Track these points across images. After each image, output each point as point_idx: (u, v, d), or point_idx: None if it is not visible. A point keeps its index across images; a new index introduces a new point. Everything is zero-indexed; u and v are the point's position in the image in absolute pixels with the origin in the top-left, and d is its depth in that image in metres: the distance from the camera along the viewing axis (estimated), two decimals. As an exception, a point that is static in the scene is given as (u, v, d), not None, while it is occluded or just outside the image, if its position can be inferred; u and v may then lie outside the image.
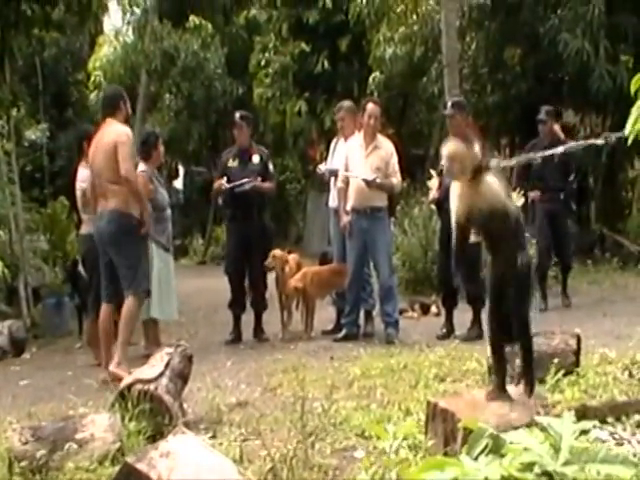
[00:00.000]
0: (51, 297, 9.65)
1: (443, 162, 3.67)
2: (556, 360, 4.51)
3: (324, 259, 8.68)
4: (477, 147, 3.50)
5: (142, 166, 7.26)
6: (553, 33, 12.43)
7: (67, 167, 14.02)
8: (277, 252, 7.92)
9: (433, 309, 9.03)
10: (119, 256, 6.29)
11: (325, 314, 8.31)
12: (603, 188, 14.16)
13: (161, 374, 4.27)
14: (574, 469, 2.22)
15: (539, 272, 8.46)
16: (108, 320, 6.51)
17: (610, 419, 3.76)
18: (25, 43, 12.01)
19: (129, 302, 6.28)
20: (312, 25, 17.24)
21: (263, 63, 18.15)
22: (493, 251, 3.64)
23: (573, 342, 4.83)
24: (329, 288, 8.11)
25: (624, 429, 3.70)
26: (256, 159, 7.96)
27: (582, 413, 3.59)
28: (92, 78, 20.95)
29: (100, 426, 3.68)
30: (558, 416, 2.76)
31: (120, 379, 4.94)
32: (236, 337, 7.88)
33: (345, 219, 7.47)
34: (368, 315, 7.86)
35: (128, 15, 19.94)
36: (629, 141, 3.47)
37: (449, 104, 7.75)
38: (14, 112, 13.85)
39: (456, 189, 3.63)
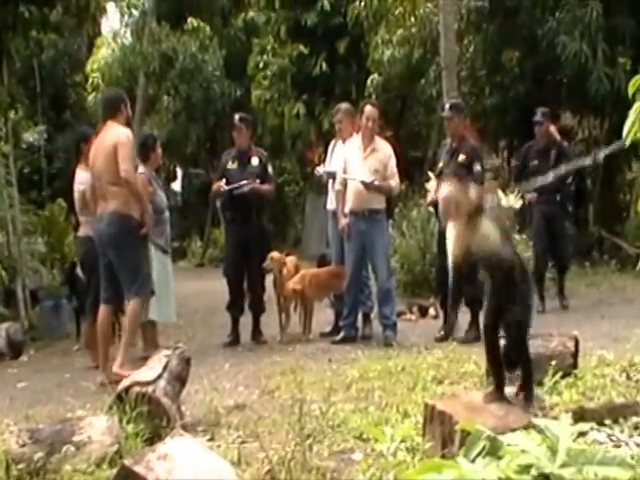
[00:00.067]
0: (49, 299, 9.63)
1: (439, 205, 3.64)
2: (554, 362, 4.51)
3: (322, 261, 8.67)
4: (472, 190, 3.50)
5: (140, 168, 7.26)
6: (551, 36, 12.44)
7: (65, 169, 14.00)
8: (275, 254, 7.92)
9: (431, 311, 9.03)
10: (120, 258, 6.29)
11: (323, 316, 8.31)
12: (601, 190, 14.18)
13: (159, 376, 4.26)
14: (571, 471, 2.22)
15: (536, 274, 8.46)
16: (106, 322, 6.51)
17: (608, 421, 3.76)
18: (23, 45, 12.01)
19: (133, 304, 6.30)
20: (310, 27, 17.24)
21: (261, 65, 18.15)
22: (491, 282, 3.63)
23: (571, 344, 4.84)
24: (327, 290, 8.11)
25: (622, 431, 3.70)
26: (255, 161, 7.96)
27: (580, 415, 3.60)
28: (90, 80, 20.95)
29: (98, 428, 3.67)
30: (556, 418, 2.76)
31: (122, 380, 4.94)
32: (234, 339, 7.88)
33: (343, 221, 7.47)
34: (366, 317, 7.86)
35: (126, 17, 19.95)
36: (627, 143, 3.48)
37: (447, 106, 7.77)
38: (12, 114, 13.86)
39: (452, 230, 3.61)
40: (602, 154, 4.06)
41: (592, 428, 3.49)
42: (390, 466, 3.19)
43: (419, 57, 15.26)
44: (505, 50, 13.92)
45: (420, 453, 3.36)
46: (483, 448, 2.43)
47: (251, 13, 19.91)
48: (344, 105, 8.15)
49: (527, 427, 2.77)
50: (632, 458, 3.02)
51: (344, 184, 7.51)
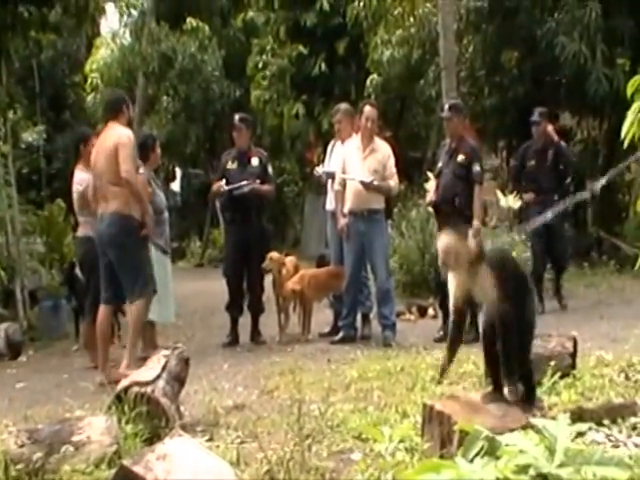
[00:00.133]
0: (48, 300, 9.63)
1: (439, 254, 3.62)
2: (553, 363, 4.51)
3: (321, 262, 8.68)
4: (471, 239, 3.53)
5: (140, 169, 7.26)
6: (550, 36, 12.45)
7: (64, 169, 14.02)
8: (274, 255, 7.92)
9: (430, 312, 9.03)
10: (120, 259, 6.30)
11: (322, 317, 8.32)
12: (600, 191, 14.17)
13: (158, 377, 4.26)
14: (569, 471, 2.22)
15: (535, 275, 8.47)
16: (106, 322, 6.52)
17: (606, 421, 3.76)
18: (22, 45, 12.00)
19: (137, 305, 6.33)
20: (310, 28, 17.25)
21: (261, 66, 18.15)
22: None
23: (570, 345, 4.84)
24: (326, 291, 8.11)
25: (620, 431, 3.70)
26: (255, 162, 7.96)
27: (578, 415, 3.60)
28: (89, 80, 20.95)
29: (97, 429, 3.67)
30: (554, 418, 2.77)
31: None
32: (233, 340, 7.88)
33: (342, 222, 7.47)
34: (365, 318, 7.87)
35: (125, 17, 19.97)
36: (625, 144, 3.48)
37: (446, 107, 7.78)
38: (11, 114, 13.85)
39: (453, 277, 3.63)
40: (599, 185, 4.04)
41: (590, 428, 3.49)
42: (389, 466, 3.20)
43: (418, 57, 15.26)
44: (504, 50, 13.92)
45: (419, 453, 3.37)
46: (481, 448, 2.44)
47: (250, 13, 19.91)
48: (343, 105, 8.15)
49: (525, 427, 2.77)
50: (630, 458, 3.02)
51: (343, 184, 7.52)
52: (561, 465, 2.26)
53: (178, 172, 24.27)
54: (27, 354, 8.37)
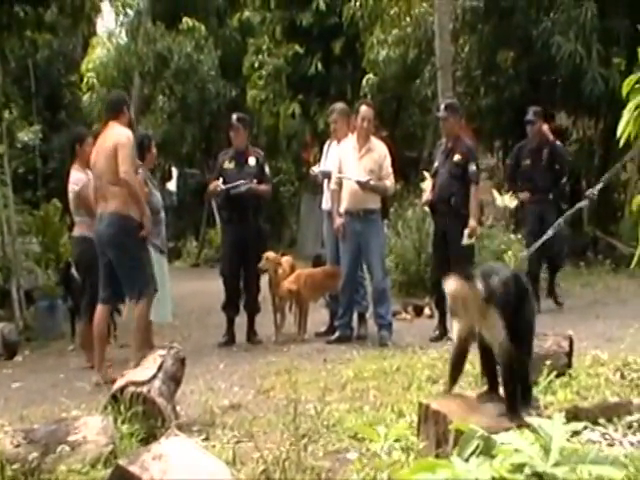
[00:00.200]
0: (44, 300, 9.62)
1: (447, 301, 3.50)
2: (549, 362, 4.52)
3: (317, 261, 8.69)
4: (479, 283, 3.33)
5: (139, 169, 7.26)
6: (546, 36, 12.46)
7: (60, 169, 14.02)
8: (270, 254, 7.92)
9: (426, 311, 9.04)
10: (120, 259, 6.31)
11: (318, 316, 8.32)
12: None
13: (154, 376, 4.26)
14: (564, 470, 2.23)
15: (530, 274, 8.47)
16: (103, 322, 6.52)
17: (602, 420, 3.77)
18: (18, 45, 11.97)
19: (140, 306, 6.35)
20: (306, 27, 17.26)
21: (257, 65, 18.16)
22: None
23: (565, 344, 4.85)
24: (322, 290, 8.11)
25: (615, 430, 3.71)
26: (252, 162, 7.96)
27: (574, 414, 3.61)
28: (85, 80, 20.92)
29: (93, 429, 3.67)
30: (550, 417, 2.77)
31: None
32: (229, 340, 7.88)
33: (338, 221, 7.47)
34: (361, 317, 7.87)
35: (121, 17, 19.85)
36: (621, 143, 3.48)
37: (442, 106, 7.79)
38: (6, 114, 13.83)
39: (457, 322, 3.56)
40: (597, 190, 4.00)
41: (586, 427, 3.50)
42: (384, 466, 3.20)
43: (414, 57, 15.28)
44: (500, 50, 13.94)
45: (414, 453, 3.37)
46: (477, 447, 2.44)
47: (246, 13, 19.91)
48: (339, 105, 8.15)
49: (521, 426, 2.77)
50: (626, 457, 3.04)
51: (339, 184, 7.52)
52: (556, 464, 2.27)
53: (174, 172, 24.26)
54: (23, 354, 8.35)
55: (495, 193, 10.12)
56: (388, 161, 7.53)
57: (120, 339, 8.17)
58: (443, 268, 7.59)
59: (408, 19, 15.12)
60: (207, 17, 20.58)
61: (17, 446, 3.56)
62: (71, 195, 7.27)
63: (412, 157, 16.86)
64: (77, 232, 7.37)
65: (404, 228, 10.88)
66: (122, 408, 4.01)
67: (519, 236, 10.13)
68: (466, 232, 7.22)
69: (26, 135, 18.76)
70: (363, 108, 7.50)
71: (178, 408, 4.51)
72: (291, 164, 20.39)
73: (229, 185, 7.74)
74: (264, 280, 8.06)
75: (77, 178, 7.17)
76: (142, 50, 19.14)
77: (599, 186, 3.65)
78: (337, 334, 7.55)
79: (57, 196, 11.64)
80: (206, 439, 4.10)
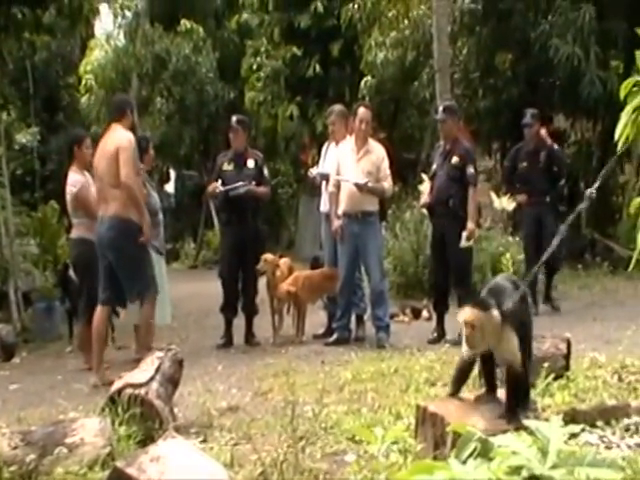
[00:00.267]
0: (41, 301, 9.61)
1: (461, 329, 3.44)
2: (546, 364, 4.52)
3: (315, 263, 8.69)
4: (494, 309, 3.29)
5: (140, 172, 7.27)
6: (544, 38, 12.48)
7: (58, 171, 14.01)
8: (268, 256, 7.92)
9: (424, 313, 9.04)
10: (120, 261, 6.33)
11: (316, 318, 8.32)
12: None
13: (152, 378, 4.26)
14: (562, 472, 2.23)
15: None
16: (103, 323, 6.52)
17: (600, 423, 3.78)
18: (16, 47, 11.99)
19: (144, 309, 6.39)
20: (304, 29, 17.27)
21: (255, 67, 18.18)
22: None
23: (563, 346, 4.85)
24: (320, 292, 8.11)
25: (613, 433, 3.71)
26: (251, 164, 7.96)
27: (572, 417, 3.61)
28: (83, 82, 20.93)
29: (90, 430, 3.66)
30: (547, 420, 2.77)
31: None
32: (227, 341, 7.87)
33: (336, 223, 7.47)
34: (359, 319, 7.87)
35: (119, 19, 19.98)
36: (619, 146, 3.48)
37: (440, 109, 7.80)
38: (4, 115, 13.83)
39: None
40: (594, 190, 3.98)
41: (584, 430, 3.50)
42: (382, 468, 3.20)
43: (412, 59, 15.30)
44: (498, 53, 13.96)
45: (412, 455, 3.37)
46: (474, 450, 2.44)
47: (245, 15, 19.93)
48: (337, 107, 8.15)
49: (518, 429, 2.77)
50: (623, 460, 3.04)
51: (337, 186, 7.52)
52: (554, 466, 2.27)
53: (172, 174, 24.26)
54: (21, 356, 8.34)
55: (493, 195, 10.13)
56: (386, 163, 7.53)
57: (118, 341, 8.16)
58: (441, 270, 7.64)
59: (406, 21, 15.14)
60: (205, 19, 20.61)
61: (14, 448, 3.55)
62: (69, 197, 7.27)
63: (410, 159, 16.87)
64: (75, 234, 7.36)
65: (402, 230, 10.88)
66: (120, 410, 4.01)
67: (517, 238, 10.13)
68: (464, 234, 7.22)
69: (24, 137, 18.74)
70: (361, 110, 7.50)
71: (176, 410, 4.51)
72: (289, 166, 20.40)
73: (228, 187, 7.74)
74: (262, 282, 8.05)
75: (75, 180, 7.16)
76: (140, 52, 19.16)
77: (597, 184, 3.62)
78: (335, 336, 7.55)
79: (55, 198, 11.63)
80: (204, 441, 4.10)
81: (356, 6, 15.41)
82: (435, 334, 7.46)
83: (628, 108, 3.37)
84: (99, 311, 6.46)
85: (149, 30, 19.42)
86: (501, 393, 3.57)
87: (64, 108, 21.52)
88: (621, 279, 10.71)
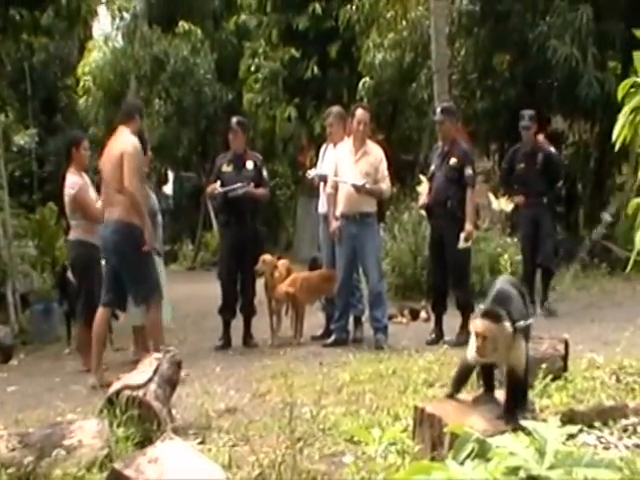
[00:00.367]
0: (39, 303, 9.60)
1: (472, 339, 3.41)
2: (544, 365, 4.52)
3: (314, 265, 8.68)
4: (506, 321, 3.29)
5: (146, 177, 7.29)
6: (542, 40, 12.50)
7: (56, 173, 14.01)
8: (267, 257, 7.91)
9: (422, 314, 9.04)
10: (124, 266, 6.34)
11: (314, 320, 8.32)
12: (591, 194, 14.25)
13: (150, 380, 4.25)
14: (559, 473, 2.23)
15: (525, 277, 8.49)
16: (103, 325, 6.52)
17: (597, 423, 3.78)
18: (14, 48, 11.99)
19: (150, 314, 6.39)
20: (302, 31, 17.28)
21: (253, 69, 18.18)
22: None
23: (561, 347, 4.85)
24: (318, 294, 8.11)
25: (611, 433, 3.71)
26: (250, 165, 7.97)
27: (570, 418, 3.62)
28: (81, 83, 20.94)
29: (88, 432, 3.66)
30: (545, 421, 2.77)
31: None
32: (225, 343, 7.87)
33: (334, 225, 7.47)
34: (357, 321, 7.87)
35: (117, 20, 19.99)
36: (616, 147, 3.49)
37: (439, 110, 7.80)
38: (2, 117, 13.84)
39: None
40: (609, 215, 3.85)
41: (582, 430, 3.50)
42: (380, 469, 3.20)
43: (410, 61, 15.31)
44: (496, 54, 13.98)
45: (410, 456, 3.37)
46: (472, 450, 2.44)
47: (243, 16, 19.95)
48: (335, 109, 8.15)
49: (516, 429, 2.77)
50: (621, 460, 3.04)
51: (335, 187, 7.52)
52: (551, 467, 2.27)
53: (170, 175, 24.26)
54: (18, 358, 8.33)
55: (491, 196, 10.14)
56: (384, 164, 7.54)
57: (116, 343, 8.16)
58: (439, 271, 7.64)
59: (404, 23, 15.15)
60: (203, 20, 20.62)
61: (12, 450, 3.55)
62: (67, 199, 7.26)
63: (408, 160, 16.89)
64: (73, 236, 7.35)
65: (400, 231, 10.89)
66: (118, 412, 4.00)
67: (515, 239, 10.14)
68: (462, 236, 7.22)
69: (22, 138, 18.70)
70: (359, 111, 7.50)
71: (174, 411, 4.51)
72: (287, 167, 20.41)
73: (227, 188, 7.74)
74: (260, 283, 8.05)
75: (73, 182, 7.16)
76: (138, 53, 19.17)
77: (612, 209, 3.58)
78: (333, 337, 7.55)
79: (53, 199, 11.63)
80: (202, 442, 4.09)
81: (354, 7, 15.43)
82: (433, 335, 7.46)
83: (626, 109, 3.37)
84: (100, 313, 6.46)
85: (147, 32, 19.42)
86: (499, 394, 3.58)
87: (62, 110, 21.52)
88: (619, 280, 10.71)
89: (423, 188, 7.81)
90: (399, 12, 15.00)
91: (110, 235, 6.35)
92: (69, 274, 8.02)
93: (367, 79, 15.92)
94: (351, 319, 7.78)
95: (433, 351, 6.28)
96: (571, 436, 3.25)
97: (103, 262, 7.09)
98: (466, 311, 7.22)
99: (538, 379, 4.40)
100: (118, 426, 3.92)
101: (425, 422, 3.35)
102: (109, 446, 3.63)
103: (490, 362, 3.53)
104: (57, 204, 10.51)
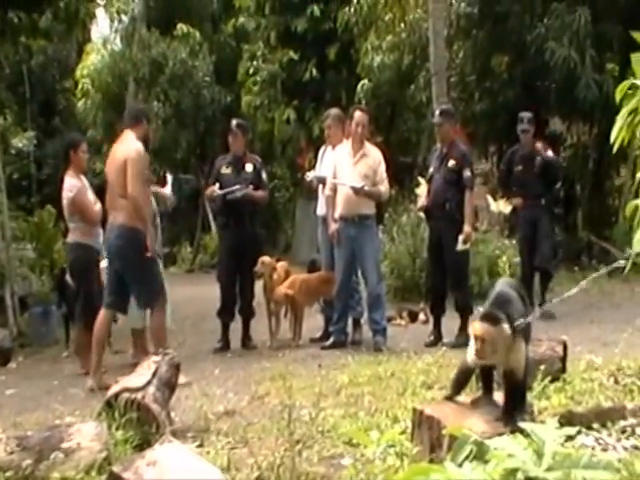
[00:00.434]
0: (38, 306, 9.60)
1: (472, 342, 3.41)
2: (543, 367, 4.52)
3: (312, 267, 8.67)
4: (505, 323, 3.29)
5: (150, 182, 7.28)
6: (540, 42, 12.51)
7: (54, 175, 14.02)
8: (266, 259, 7.91)
9: (421, 316, 9.04)
10: (128, 270, 6.36)
11: (313, 322, 8.31)
12: (590, 196, 14.26)
13: (148, 383, 4.25)
14: (557, 474, 2.23)
15: (524, 279, 8.48)
16: (105, 326, 6.51)
17: (596, 425, 3.77)
18: (12, 51, 12.00)
19: (154, 317, 6.40)
20: (300, 33, 17.29)
21: (251, 71, 18.18)
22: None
23: (560, 349, 4.85)
24: (317, 296, 8.11)
25: (609, 435, 3.71)
26: (249, 168, 7.97)
27: (568, 419, 3.61)
28: (80, 86, 20.94)
29: (87, 435, 3.66)
30: (544, 422, 2.77)
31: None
32: (224, 345, 7.87)
33: (333, 227, 7.47)
34: (356, 323, 7.86)
35: (116, 23, 19.98)
36: (614, 149, 3.49)
37: (437, 112, 7.81)
38: (1, 120, 13.85)
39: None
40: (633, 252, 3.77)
41: (580, 432, 3.50)
42: (378, 471, 3.20)
43: (409, 63, 15.31)
44: (494, 56, 13.99)
45: (409, 458, 3.36)
46: (470, 452, 2.44)
47: (241, 19, 19.95)
48: (334, 111, 8.15)
49: (514, 431, 2.77)
50: (619, 462, 3.04)
51: (334, 189, 7.52)
52: (549, 469, 2.27)
53: (169, 177, 24.19)
54: (17, 360, 8.33)
55: (490, 198, 10.13)
56: (382, 167, 7.54)
57: (115, 345, 8.15)
58: (438, 273, 7.65)
59: (403, 25, 15.16)
60: (202, 23, 20.63)
61: (11, 453, 3.55)
62: (65, 201, 7.26)
63: (407, 162, 16.90)
64: (71, 238, 7.35)
65: (399, 233, 10.89)
66: (116, 414, 4.00)
67: (513, 241, 10.14)
68: (461, 238, 7.23)
69: (20, 141, 18.75)
70: (357, 114, 7.51)
71: (172, 414, 4.50)
72: (286, 170, 20.40)
73: (225, 190, 7.75)
74: (258, 285, 8.05)
75: (71, 184, 7.16)
76: (137, 56, 19.17)
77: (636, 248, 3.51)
78: (332, 340, 7.54)
79: (51, 202, 11.64)
80: (200, 445, 4.09)
81: (352, 10, 15.43)
82: (432, 337, 7.46)
83: (623, 111, 3.37)
84: (102, 314, 6.46)
85: (145, 34, 19.43)
86: (497, 396, 3.58)
87: (60, 112, 21.56)
88: (618, 281, 10.70)
89: (422, 190, 7.81)
90: (397, 14, 15.00)
91: (114, 240, 6.36)
92: (67, 277, 8.02)
93: (365, 81, 15.92)
94: (350, 321, 7.78)
95: (432, 353, 6.28)
96: (569, 438, 3.25)
97: (104, 264, 7.11)
98: (465, 313, 7.23)
99: (537, 381, 4.40)
100: (117, 429, 3.92)
101: (424, 424, 3.35)
102: (108, 449, 3.63)
103: (489, 364, 3.53)
104: (55, 207, 10.51)
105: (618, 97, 3.41)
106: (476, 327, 3.34)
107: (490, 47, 13.81)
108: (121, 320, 7.61)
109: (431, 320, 7.81)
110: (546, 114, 13.48)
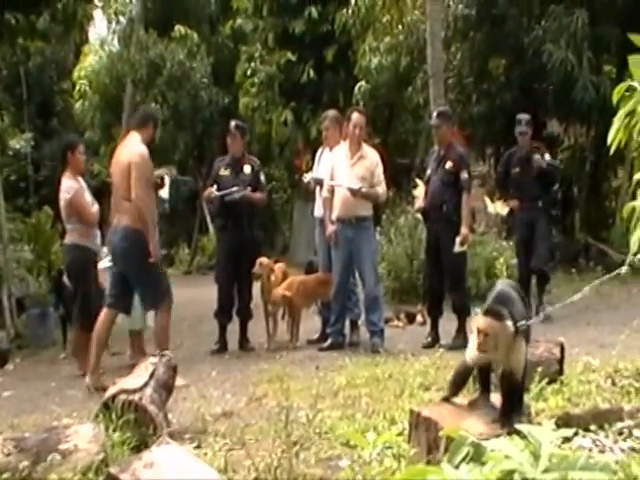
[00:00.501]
0: (35, 307, 9.59)
1: (471, 341, 3.44)
2: (540, 368, 4.53)
3: (310, 268, 8.68)
4: (508, 320, 3.30)
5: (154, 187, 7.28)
6: (537, 44, 12.53)
7: (52, 177, 13.98)
8: (264, 260, 7.92)
9: (418, 318, 9.04)
10: (133, 272, 6.38)
11: (311, 323, 8.31)
12: (587, 197, 14.27)
13: (145, 384, 4.25)
14: (554, 476, 2.23)
15: (521, 281, 8.47)
16: (106, 326, 6.49)
17: (593, 427, 3.78)
18: (10, 52, 12.01)
19: (159, 319, 6.40)
20: (298, 35, 17.30)
21: (249, 73, 18.18)
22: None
23: (557, 351, 4.86)
24: (315, 297, 8.11)
25: (606, 437, 3.71)
26: (247, 169, 7.97)
27: (565, 421, 3.62)
28: (77, 87, 20.95)
29: (84, 437, 3.65)
30: (540, 424, 2.78)
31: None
32: (221, 347, 7.87)
33: (330, 228, 7.47)
34: (354, 324, 7.87)
35: (113, 24, 20.03)
36: (611, 150, 3.50)
37: (435, 114, 7.82)
38: (-1, 121, 13.84)
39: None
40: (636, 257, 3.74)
41: (577, 434, 3.51)
42: (376, 473, 3.20)
43: (406, 65, 15.34)
44: (492, 58, 14.01)
45: (406, 460, 3.37)
46: (467, 454, 2.44)
47: (239, 20, 19.96)
48: (331, 112, 8.16)
49: (511, 433, 2.78)
50: (616, 463, 3.05)
51: (331, 191, 7.52)
52: (546, 470, 2.27)
53: (166, 179, 24.19)
54: (14, 362, 8.32)
55: (487, 200, 10.14)
56: (380, 168, 7.54)
57: (113, 347, 8.14)
58: (435, 275, 7.65)
59: (400, 27, 15.18)
60: (199, 24, 20.64)
61: (8, 455, 3.54)
62: (63, 203, 7.26)
63: (404, 164, 16.90)
64: (69, 240, 7.34)
65: (396, 235, 10.90)
66: (114, 416, 4.00)
67: (511, 243, 10.14)
68: (458, 239, 7.23)
69: (18, 143, 18.72)
70: (355, 115, 7.51)
71: (170, 416, 4.50)
72: (283, 171, 20.41)
73: (224, 192, 7.75)
74: (256, 287, 8.05)
75: (69, 186, 7.15)
76: (134, 57, 19.16)
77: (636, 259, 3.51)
78: (329, 341, 7.54)
79: (49, 204, 11.63)
80: (198, 447, 4.09)
81: (350, 11, 15.44)
82: (429, 339, 7.47)
83: (621, 113, 3.38)
84: (104, 313, 6.46)
85: (143, 36, 19.43)
86: (495, 397, 3.58)
87: (58, 114, 21.55)
88: (615, 283, 10.66)
89: (419, 192, 7.81)
90: (395, 16, 15.02)
91: (118, 242, 6.37)
92: (65, 278, 8.02)
93: (363, 83, 15.94)
94: (347, 323, 7.78)
95: (429, 355, 6.28)
96: (566, 439, 3.25)
97: (101, 265, 7.10)
98: (462, 315, 7.23)
99: (534, 382, 4.41)
100: (114, 430, 3.92)
101: (421, 426, 3.35)
102: (105, 450, 3.62)
103: (488, 363, 3.53)
104: (53, 208, 10.50)
105: (615, 99, 3.42)
106: (480, 321, 3.35)
107: (487, 49, 13.82)
108: (120, 321, 7.61)
109: (428, 322, 7.82)
110: (543, 116, 13.49)
